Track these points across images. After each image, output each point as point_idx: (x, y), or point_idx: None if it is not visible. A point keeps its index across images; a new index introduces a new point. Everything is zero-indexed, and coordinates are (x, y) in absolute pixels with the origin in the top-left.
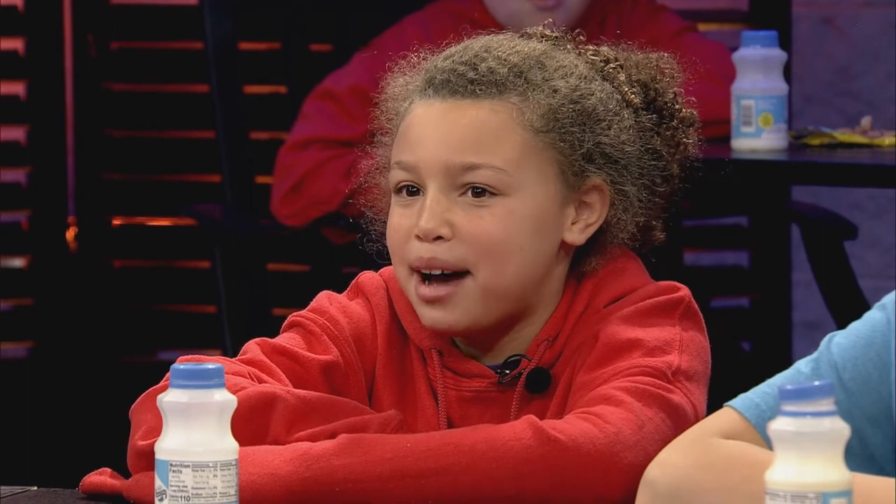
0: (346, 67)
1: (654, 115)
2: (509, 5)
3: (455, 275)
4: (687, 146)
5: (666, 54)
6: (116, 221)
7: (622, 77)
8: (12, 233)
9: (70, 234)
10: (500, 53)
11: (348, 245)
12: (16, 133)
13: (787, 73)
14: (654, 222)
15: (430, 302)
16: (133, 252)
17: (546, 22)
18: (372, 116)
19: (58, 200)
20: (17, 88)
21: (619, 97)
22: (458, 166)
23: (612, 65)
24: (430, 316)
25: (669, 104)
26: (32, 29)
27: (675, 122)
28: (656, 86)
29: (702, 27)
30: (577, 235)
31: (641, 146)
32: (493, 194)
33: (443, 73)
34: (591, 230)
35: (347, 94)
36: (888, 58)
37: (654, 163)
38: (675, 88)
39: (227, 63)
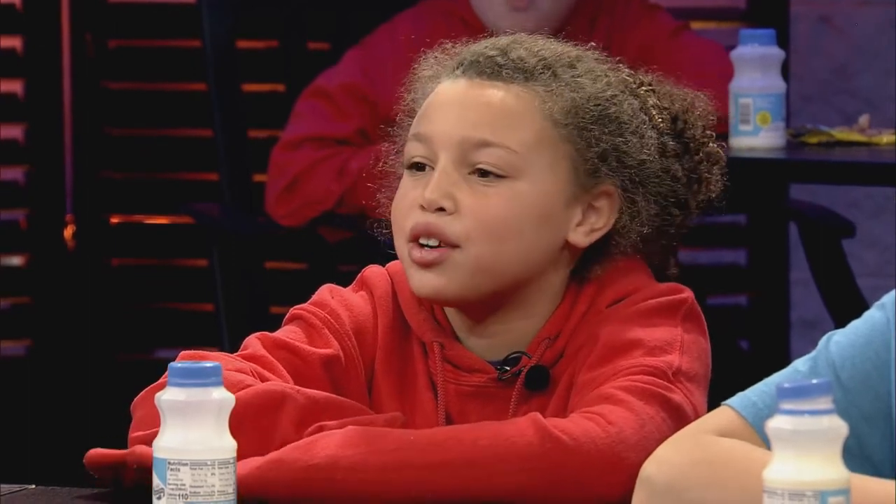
0: (339, 65)
1: (679, 145)
2: (485, 3)
3: (449, 246)
4: (710, 182)
5: (702, 94)
6: (114, 220)
7: (652, 101)
8: (10, 231)
9: (68, 232)
10: (533, 47)
11: (344, 243)
12: (14, 131)
13: (785, 72)
14: (669, 258)
15: (421, 265)
16: (131, 250)
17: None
18: (364, 113)
19: (56, 199)
20: (15, 87)
21: (646, 117)
22: (473, 142)
23: (644, 87)
24: (420, 279)
25: (697, 138)
26: (30, 27)
27: (699, 157)
28: (685, 117)
29: (699, 25)
30: (581, 238)
31: (660, 167)
32: (499, 177)
33: (473, 55)
34: (597, 235)
35: (340, 91)
36: (886, 56)
37: (670, 184)
38: (706, 125)
39: (226, 61)
